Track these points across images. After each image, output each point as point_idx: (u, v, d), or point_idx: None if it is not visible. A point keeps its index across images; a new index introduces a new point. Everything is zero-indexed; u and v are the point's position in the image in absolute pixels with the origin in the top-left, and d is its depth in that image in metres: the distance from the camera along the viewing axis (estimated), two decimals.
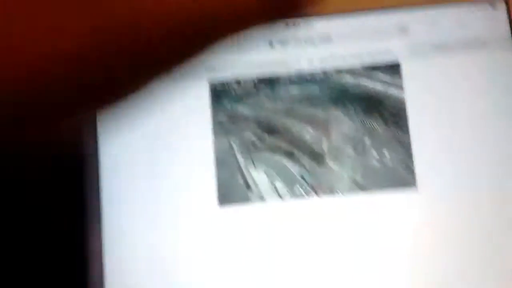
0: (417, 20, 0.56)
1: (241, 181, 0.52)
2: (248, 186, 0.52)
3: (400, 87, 0.54)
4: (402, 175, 0.51)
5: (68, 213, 0.54)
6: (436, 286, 0.49)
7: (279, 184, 0.52)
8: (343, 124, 0.54)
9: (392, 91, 0.54)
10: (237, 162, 0.53)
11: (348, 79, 0.55)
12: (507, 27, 0.55)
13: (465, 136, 0.52)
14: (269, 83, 0.56)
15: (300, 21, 0.57)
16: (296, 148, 0.53)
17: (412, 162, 0.51)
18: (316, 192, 0.51)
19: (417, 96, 0.54)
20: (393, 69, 0.55)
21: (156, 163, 0.54)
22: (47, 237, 0.54)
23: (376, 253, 0.50)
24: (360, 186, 0.51)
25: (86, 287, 0.52)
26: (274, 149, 0.53)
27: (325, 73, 0.55)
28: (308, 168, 0.52)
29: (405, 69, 0.55)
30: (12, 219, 0.54)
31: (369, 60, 0.55)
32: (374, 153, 0.53)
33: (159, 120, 0.55)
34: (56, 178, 0.54)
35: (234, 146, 0.54)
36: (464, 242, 0.49)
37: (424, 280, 0.50)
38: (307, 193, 0.51)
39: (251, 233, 0.51)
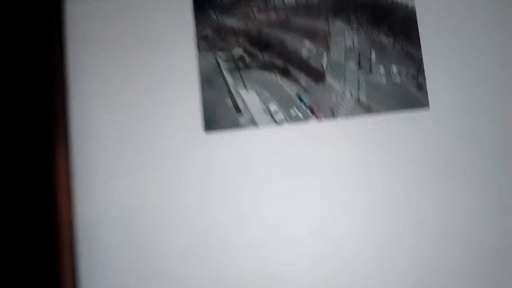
0: None
1: (229, 104, 0.46)
2: (238, 109, 0.46)
3: None
4: (413, 94, 0.46)
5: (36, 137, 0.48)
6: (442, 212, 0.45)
7: (273, 106, 0.46)
8: (345, 36, 0.48)
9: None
10: (225, 81, 0.47)
11: None
12: None
13: (482, 50, 0.47)
14: None
15: None
16: (291, 65, 0.47)
17: (424, 79, 0.46)
18: (315, 115, 0.46)
19: (429, 4, 0.48)
20: None
21: (134, 81, 0.48)
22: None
23: (381, 185, 0.45)
24: (365, 107, 0.45)
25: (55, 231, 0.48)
26: (267, 67, 0.47)
27: None
28: (306, 86, 0.46)
29: None
30: None
31: None
32: (381, 69, 0.47)
33: (137, 33, 0.48)
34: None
35: (221, 63, 0.48)
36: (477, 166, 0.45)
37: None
38: (305, 116, 0.46)
39: (241, 163, 0.46)
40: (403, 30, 0.46)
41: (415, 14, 0.46)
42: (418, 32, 0.46)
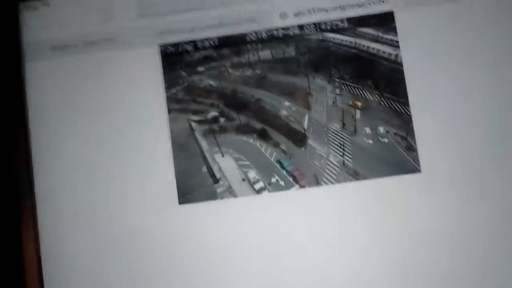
0: None
1: (205, 172, 0.43)
2: (214, 177, 0.43)
3: (396, 44, 0.44)
4: (403, 157, 0.42)
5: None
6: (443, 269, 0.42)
7: (252, 174, 0.43)
8: (327, 93, 0.44)
9: (386, 49, 0.45)
10: (200, 147, 0.44)
11: (331, 37, 0.45)
12: None
13: (477, 102, 0.43)
14: (233, 44, 0.45)
15: None
16: (270, 126, 0.43)
17: (414, 139, 0.43)
18: (297, 182, 0.42)
19: (416, 55, 0.44)
20: (385, 21, 0.45)
21: (98, 149, 0.44)
22: None
23: (371, 254, 0.42)
24: (351, 172, 0.42)
25: None
26: (244, 129, 0.44)
27: (302, 29, 0.45)
28: (287, 150, 0.43)
29: (400, 20, 0.45)
30: None
31: (355, 11, 0.45)
32: (367, 129, 0.44)
33: (99, 98, 0.45)
34: None
35: (195, 126, 0.44)
36: (473, 229, 0.42)
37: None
38: (286, 184, 0.42)
39: (219, 236, 0.42)
40: (389, 85, 0.43)
41: (401, 65, 0.43)
42: (405, 86, 0.43)
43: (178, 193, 0.43)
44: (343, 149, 0.43)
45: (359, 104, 0.43)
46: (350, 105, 0.43)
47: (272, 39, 0.44)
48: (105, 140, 0.44)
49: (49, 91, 0.45)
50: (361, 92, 0.43)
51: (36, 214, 0.45)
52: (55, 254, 0.45)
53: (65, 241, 0.45)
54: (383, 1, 0.44)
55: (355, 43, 0.44)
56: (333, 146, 0.43)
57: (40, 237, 0.45)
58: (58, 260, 0.45)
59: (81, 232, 0.44)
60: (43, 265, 0.44)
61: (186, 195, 0.43)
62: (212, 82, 0.44)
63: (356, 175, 0.42)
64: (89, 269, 0.44)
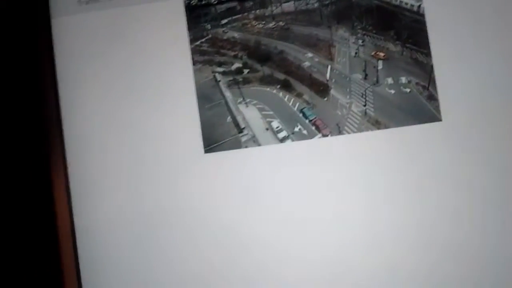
0: None
1: (230, 122, 0.44)
2: (238, 127, 0.44)
3: None
4: (424, 106, 0.43)
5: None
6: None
7: (275, 123, 0.43)
8: (350, 45, 0.45)
9: (409, 1, 0.45)
10: (224, 98, 0.45)
11: None
12: None
13: (497, 54, 0.44)
14: None
15: None
16: (293, 77, 0.44)
17: (435, 89, 0.43)
18: (320, 131, 0.43)
19: (440, 6, 0.44)
20: None
21: (125, 101, 0.45)
22: None
23: (391, 202, 0.43)
24: (373, 121, 0.43)
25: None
26: (268, 80, 0.44)
27: None
28: (309, 101, 0.44)
29: None
30: None
31: None
32: (389, 79, 0.44)
33: (125, 50, 0.46)
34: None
35: (219, 78, 0.45)
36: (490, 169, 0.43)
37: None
38: (309, 132, 0.43)
39: (243, 184, 0.43)
40: (411, 36, 0.43)
41: (424, 16, 0.43)
42: (427, 37, 0.43)
43: (203, 143, 0.44)
44: (365, 99, 0.43)
45: (382, 54, 0.43)
46: (373, 56, 0.44)
47: None
48: (131, 92, 0.46)
49: (75, 45, 0.46)
50: (383, 43, 0.44)
51: (66, 150, 0.47)
52: (86, 186, 0.47)
53: (95, 185, 0.46)
54: None
55: None
56: (355, 96, 0.44)
57: (70, 173, 0.47)
58: (88, 191, 0.47)
59: (109, 180, 0.46)
60: (75, 219, 0.46)
61: (211, 144, 0.44)
62: (235, 34, 0.45)
63: (377, 124, 0.43)
64: (119, 217, 0.46)
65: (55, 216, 0.48)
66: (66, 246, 0.48)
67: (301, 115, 0.44)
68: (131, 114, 0.46)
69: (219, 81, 0.45)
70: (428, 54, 0.43)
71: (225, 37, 0.45)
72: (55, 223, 0.48)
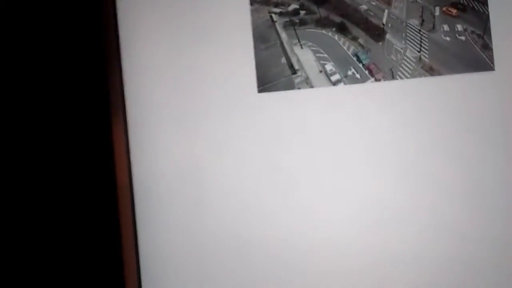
0: None
1: (284, 63, 0.44)
2: (292, 69, 0.44)
3: None
4: (479, 55, 0.43)
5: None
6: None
7: (329, 66, 0.44)
8: None
9: None
10: (280, 38, 0.45)
11: None
12: None
13: None
14: None
15: None
16: (349, 21, 0.44)
17: (490, 38, 0.43)
18: (373, 75, 0.44)
19: None
20: None
21: (185, 40, 0.46)
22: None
23: (442, 149, 0.44)
24: (427, 68, 0.43)
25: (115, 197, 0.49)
26: (324, 23, 0.45)
27: None
28: (364, 45, 0.44)
29: None
30: None
31: None
32: (445, 27, 0.44)
33: None
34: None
35: (276, 18, 0.45)
36: None
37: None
38: (362, 77, 0.44)
39: (296, 125, 0.45)
40: None
41: None
42: None
43: (257, 82, 0.45)
44: (420, 45, 0.44)
45: (454, 11, 0.43)
46: (444, 12, 0.44)
47: None
48: (191, 32, 0.46)
49: (139, 10, 0.46)
50: None
51: (126, 96, 0.48)
52: (144, 132, 0.49)
53: (154, 123, 0.48)
54: None
55: None
56: (410, 42, 0.44)
57: (129, 120, 0.48)
58: (146, 138, 0.49)
59: (168, 115, 0.47)
60: (130, 143, 0.48)
61: (265, 84, 0.45)
62: None
63: (431, 71, 0.43)
64: (174, 145, 0.48)
65: (114, 167, 0.50)
66: (124, 196, 0.51)
67: (355, 58, 0.45)
68: (190, 54, 0.47)
69: (276, 21, 0.45)
70: (485, 2, 0.43)
71: None
72: (115, 172, 0.50)
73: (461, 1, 0.43)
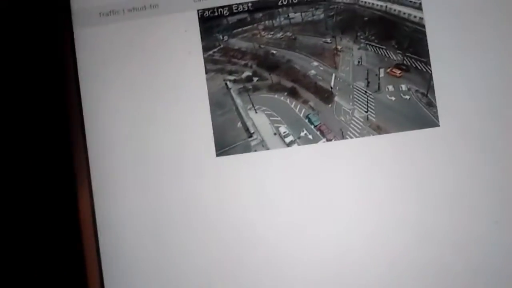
0: None
1: (240, 127, 0.47)
2: (248, 132, 0.47)
3: (419, 6, 0.47)
4: (423, 112, 0.45)
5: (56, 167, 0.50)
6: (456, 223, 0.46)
7: (282, 129, 0.46)
8: (353, 54, 0.47)
9: (409, 12, 0.47)
10: (235, 104, 0.48)
11: (358, 0, 0.48)
12: None
13: (493, 63, 0.46)
14: (266, 8, 0.48)
15: None
16: (300, 85, 0.47)
17: (434, 96, 0.45)
18: (324, 136, 0.46)
19: (439, 17, 0.46)
20: None
21: (143, 107, 0.48)
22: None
23: (391, 204, 0.45)
24: (375, 127, 0.45)
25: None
26: (275, 88, 0.47)
27: None
28: (315, 107, 0.46)
29: None
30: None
31: None
32: (390, 87, 0.46)
33: (143, 60, 0.49)
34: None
35: (230, 85, 0.48)
36: (486, 179, 0.45)
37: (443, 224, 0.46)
38: (314, 137, 0.46)
39: (253, 185, 0.46)
40: (411, 45, 0.45)
41: (423, 27, 0.45)
42: (427, 47, 0.45)
43: (215, 146, 0.47)
44: (367, 106, 0.46)
45: (398, 72, 0.46)
46: (388, 73, 0.46)
47: (301, 3, 0.47)
48: (148, 98, 0.49)
49: (97, 53, 0.49)
50: (385, 52, 0.46)
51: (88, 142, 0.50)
52: (106, 181, 0.50)
53: (116, 182, 0.50)
54: None
55: (380, 5, 0.47)
56: (357, 103, 0.46)
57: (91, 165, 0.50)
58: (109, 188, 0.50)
59: (127, 179, 0.49)
60: (97, 219, 0.49)
61: (223, 147, 0.47)
62: (245, 44, 0.48)
63: (379, 129, 0.45)
64: (135, 220, 0.49)
65: (78, 210, 0.52)
66: (88, 237, 0.52)
67: (306, 120, 0.47)
68: (147, 117, 0.49)
69: (230, 88, 0.48)
70: (427, 63, 0.45)
71: (236, 47, 0.48)
72: (78, 216, 0.52)
73: (405, 62, 0.45)
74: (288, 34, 0.48)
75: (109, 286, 0.52)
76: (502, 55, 0.46)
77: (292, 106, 0.47)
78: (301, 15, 0.48)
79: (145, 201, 0.49)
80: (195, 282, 0.51)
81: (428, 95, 0.45)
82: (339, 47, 0.47)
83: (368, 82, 0.46)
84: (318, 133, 0.47)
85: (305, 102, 0.47)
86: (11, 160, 0.52)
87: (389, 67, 0.46)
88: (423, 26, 0.46)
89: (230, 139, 0.47)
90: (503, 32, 0.46)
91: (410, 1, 0.46)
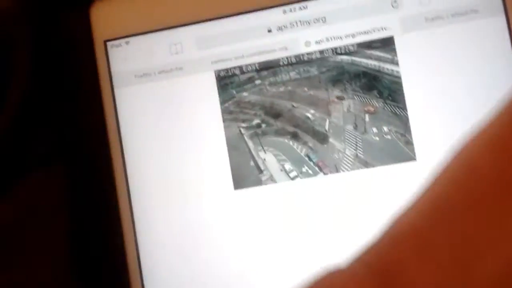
0: None
1: (252, 165, 0.56)
2: (259, 169, 0.56)
3: (395, 62, 0.56)
4: (402, 149, 0.54)
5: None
6: None
7: (287, 166, 0.56)
8: (343, 103, 0.57)
9: (388, 67, 0.57)
10: (247, 146, 0.57)
11: (345, 58, 0.58)
12: None
13: (461, 107, 0.55)
14: (270, 67, 0.59)
15: (295, 6, 0.58)
16: (300, 130, 0.57)
17: (411, 136, 0.54)
18: (322, 170, 0.55)
19: (412, 70, 0.56)
20: (387, 44, 0.57)
21: (173, 151, 0.58)
22: None
23: (379, 223, 0.54)
24: (363, 162, 0.55)
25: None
26: (280, 132, 0.57)
27: (322, 53, 0.58)
28: (313, 147, 0.56)
29: (398, 43, 0.56)
30: None
31: (363, 37, 0.57)
32: (374, 129, 0.56)
33: (171, 112, 0.59)
34: None
35: (243, 131, 0.58)
36: None
37: None
38: (314, 172, 0.55)
39: (265, 213, 0.56)
40: (390, 94, 0.54)
41: (400, 78, 0.55)
42: (403, 95, 0.54)
43: (233, 182, 0.56)
44: (356, 145, 0.55)
45: (371, 109, 0.55)
46: (364, 111, 0.55)
47: (299, 62, 0.57)
48: (177, 144, 0.59)
49: (134, 109, 0.59)
50: (369, 101, 0.56)
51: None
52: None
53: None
54: (384, 29, 0.56)
55: (364, 62, 0.56)
56: (348, 143, 0.56)
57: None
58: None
59: (163, 211, 0.58)
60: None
61: (239, 183, 0.56)
62: (255, 97, 0.58)
63: (366, 164, 0.55)
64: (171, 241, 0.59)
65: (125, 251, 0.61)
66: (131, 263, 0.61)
67: (307, 158, 0.56)
68: (177, 161, 0.59)
69: (243, 134, 0.57)
70: (404, 108, 0.55)
71: (247, 100, 0.58)
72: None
73: (385, 108, 0.55)
74: (289, 88, 0.58)
75: None
76: (476, 99, 0.55)
77: (295, 146, 0.57)
78: (299, 72, 0.58)
79: (176, 226, 0.59)
80: None
81: (406, 134, 0.55)
82: (331, 98, 0.57)
83: (356, 126, 0.56)
84: (316, 168, 0.56)
85: (305, 143, 0.57)
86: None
87: (364, 106, 0.56)
88: (400, 78, 0.55)
89: (244, 175, 0.57)
90: (473, 78, 0.55)
91: (388, 58, 0.56)
